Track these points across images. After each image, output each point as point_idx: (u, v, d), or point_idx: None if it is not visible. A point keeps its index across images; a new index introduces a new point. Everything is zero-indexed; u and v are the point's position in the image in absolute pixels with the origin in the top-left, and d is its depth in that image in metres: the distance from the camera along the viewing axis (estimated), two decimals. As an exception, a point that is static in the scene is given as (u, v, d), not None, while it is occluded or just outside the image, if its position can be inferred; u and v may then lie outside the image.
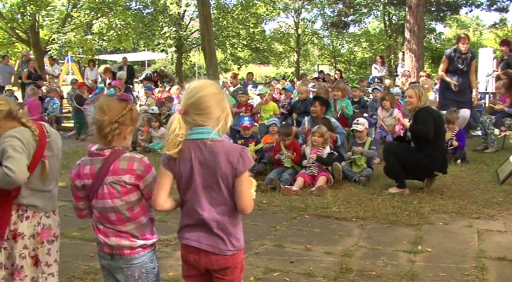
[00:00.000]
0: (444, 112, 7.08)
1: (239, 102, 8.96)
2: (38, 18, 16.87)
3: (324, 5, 26.35)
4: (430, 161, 5.17)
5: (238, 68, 24.92)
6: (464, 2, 23.87)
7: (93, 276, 3.39)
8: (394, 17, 25.58)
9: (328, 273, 3.36)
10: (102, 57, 22.52)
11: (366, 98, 10.01)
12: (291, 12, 27.49)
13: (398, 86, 10.59)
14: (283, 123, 7.99)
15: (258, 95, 9.66)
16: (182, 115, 1.98)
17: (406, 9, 14.72)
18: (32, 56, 16.36)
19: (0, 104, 2.41)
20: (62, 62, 21.14)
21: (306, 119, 6.90)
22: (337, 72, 17.54)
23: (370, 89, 10.58)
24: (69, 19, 17.51)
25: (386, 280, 3.26)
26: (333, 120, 6.73)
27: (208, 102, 1.97)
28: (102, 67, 14.57)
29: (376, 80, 13.32)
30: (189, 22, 22.83)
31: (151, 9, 21.34)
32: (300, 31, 27.26)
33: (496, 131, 7.91)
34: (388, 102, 7.56)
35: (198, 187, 1.98)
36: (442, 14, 25.29)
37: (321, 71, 19.26)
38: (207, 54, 13.37)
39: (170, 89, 12.38)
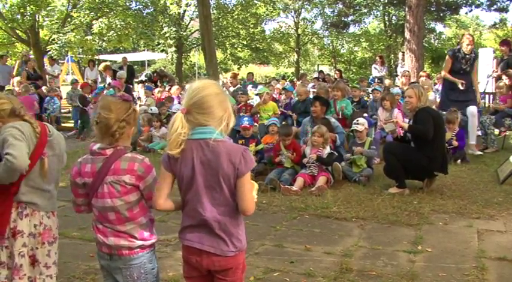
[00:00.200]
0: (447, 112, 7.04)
1: (239, 103, 8.96)
2: (38, 18, 16.86)
3: (323, 5, 26.37)
4: (430, 161, 5.17)
5: (238, 68, 24.94)
6: (464, 1, 23.86)
7: (93, 276, 3.39)
8: (394, 17, 25.60)
9: (328, 273, 3.36)
10: (102, 57, 22.52)
11: (366, 98, 10.01)
12: (291, 12, 27.52)
13: (398, 86, 10.58)
14: (283, 123, 7.99)
15: (257, 94, 9.66)
16: (184, 114, 1.97)
17: (406, 9, 14.73)
18: (32, 56, 16.35)
19: (3, 103, 2.45)
20: (62, 62, 21.14)
21: (307, 119, 6.88)
22: (337, 72, 17.54)
23: (370, 89, 10.58)
24: (69, 19, 17.50)
25: (386, 280, 3.26)
26: (333, 120, 6.73)
27: (210, 102, 1.97)
28: (102, 65, 14.57)
29: (376, 80, 13.32)
30: (189, 22, 22.85)
31: (151, 9, 21.35)
32: (299, 31, 27.28)
33: (496, 131, 7.91)
34: (388, 102, 7.56)
35: (199, 187, 1.97)
36: (442, 14, 25.28)
37: (321, 71, 19.26)
38: (207, 54, 13.38)
39: (170, 89, 12.39)
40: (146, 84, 13.95)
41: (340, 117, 7.47)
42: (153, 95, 12.03)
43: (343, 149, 6.53)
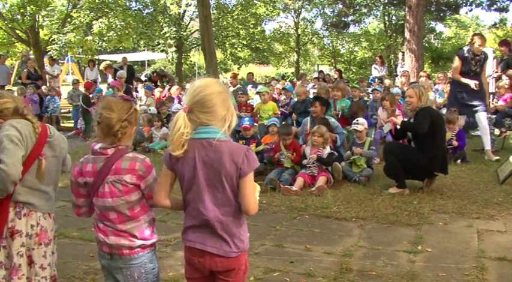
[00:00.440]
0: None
1: (239, 103, 8.96)
2: (38, 18, 16.87)
3: (323, 5, 26.36)
4: (430, 161, 5.17)
5: (238, 68, 24.94)
6: (464, 1, 23.84)
7: (93, 276, 3.39)
8: (394, 17, 25.58)
9: (328, 273, 3.36)
10: (102, 57, 22.52)
11: (366, 98, 10.01)
12: (291, 12, 27.51)
13: (398, 86, 10.58)
14: (283, 123, 8.00)
15: (257, 93, 9.66)
16: (187, 113, 1.96)
17: (406, 9, 14.71)
18: (32, 56, 16.36)
19: (7, 102, 2.47)
20: (62, 62, 21.14)
21: (307, 119, 6.89)
22: (337, 72, 17.54)
23: (370, 89, 10.58)
24: (69, 19, 17.50)
25: (386, 280, 3.26)
26: (333, 120, 6.73)
27: (213, 101, 1.95)
28: (104, 63, 14.55)
29: (376, 80, 13.32)
30: (189, 22, 22.84)
31: (151, 9, 21.35)
32: (299, 31, 27.27)
33: (497, 131, 7.91)
34: (388, 102, 7.56)
35: (201, 187, 1.96)
36: (442, 14, 25.27)
37: (321, 71, 19.25)
38: (207, 54, 13.37)
39: (170, 88, 12.38)
40: (146, 84, 13.93)
41: (339, 117, 7.47)
42: (153, 95, 12.04)
43: (343, 149, 6.54)
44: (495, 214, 4.58)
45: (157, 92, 12.34)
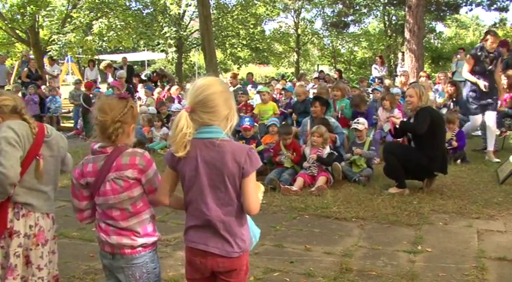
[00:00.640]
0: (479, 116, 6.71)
1: (239, 103, 8.95)
2: (38, 18, 16.86)
3: (323, 5, 26.36)
4: (430, 161, 5.17)
5: (238, 68, 24.94)
6: (464, 1, 23.83)
7: (93, 276, 3.39)
8: (394, 17, 25.58)
9: (328, 273, 3.36)
10: (102, 57, 22.54)
11: (366, 98, 9.99)
12: (291, 12, 27.52)
13: (398, 86, 10.58)
14: (283, 123, 7.99)
15: (258, 92, 9.66)
16: (189, 113, 1.95)
17: (406, 9, 14.72)
18: (32, 56, 16.35)
19: (6, 99, 2.48)
20: (62, 62, 21.14)
21: (307, 119, 6.88)
22: (337, 72, 17.54)
23: (370, 89, 10.58)
24: (68, 19, 17.50)
25: (386, 280, 3.26)
26: (333, 120, 6.73)
27: (216, 101, 1.94)
28: (104, 63, 14.53)
29: (376, 80, 13.32)
30: (189, 22, 22.85)
31: (151, 9, 21.36)
32: (299, 31, 27.27)
33: (497, 131, 7.90)
34: (388, 102, 7.56)
35: (204, 187, 1.95)
36: (442, 14, 25.27)
37: (321, 71, 19.25)
38: (207, 54, 13.38)
39: (170, 88, 12.38)
40: (146, 84, 13.93)
41: (339, 117, 7.47)
42: (152, 95, 12.04)
43: (343, 149, 6.54)
44: (495, 214, 4.58)
45: (156, 93, 12.32)
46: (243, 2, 22.37)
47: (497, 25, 25.82)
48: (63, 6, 17.46)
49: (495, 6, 23.47)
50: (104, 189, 2.10)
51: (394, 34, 25.35)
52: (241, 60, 25.89)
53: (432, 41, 26.76)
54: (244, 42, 24.15)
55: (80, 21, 17.08)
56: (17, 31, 17.29)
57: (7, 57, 19.44)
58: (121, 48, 25.23)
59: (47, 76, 15.14)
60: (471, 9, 25.45)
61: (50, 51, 16.85)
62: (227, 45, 23.87)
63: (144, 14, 20.96)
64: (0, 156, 2.24)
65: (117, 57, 19.65)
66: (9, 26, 16.71)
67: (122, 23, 17.95)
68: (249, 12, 22.90)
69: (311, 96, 8.73)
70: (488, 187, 5.49)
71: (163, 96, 11.73)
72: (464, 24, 31.27)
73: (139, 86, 13.16)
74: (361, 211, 4.73)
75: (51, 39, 17.07)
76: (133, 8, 20.36)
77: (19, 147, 2.32)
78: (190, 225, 2.03)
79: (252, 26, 23.80)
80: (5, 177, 2.22)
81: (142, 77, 15.96)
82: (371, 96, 9.69)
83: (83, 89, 12.32)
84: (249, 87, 12.62)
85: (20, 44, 18.93)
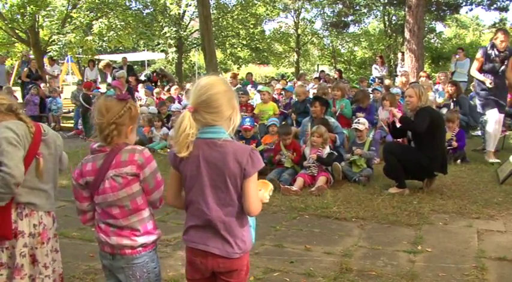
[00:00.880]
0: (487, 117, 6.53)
1: (239, 103, 8.93)
2: (38, 18, 16.85)
3: (323, 5, 26.36)
4: (430, 161, 5.17)
5: (238, 68, 24.95)
6: (464, 0, 23.82)
7: (93, 276, 3.40)
8: (394, 17, 25.58)
9: (328, 273, 3.36)
10: (102, 57, 22.55)
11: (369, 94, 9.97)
12: (291, 12, 27.52)
13: (397, 86, 10.58)
14: (283, 123, 7.99)
15: (258, 91, 9.66)
16: (192, 113, 1.94)
17: (406, 9, 14.71)
18: (32, 56, 16.35)
19: (2, 99, 2.48)
20: (62, 62, 21.14)
21: (307, 119, 6.88)
22: (337, 72, 17.54)
23: (370, 89, 10.57)
24: (68, 20, 17.50)
25: (386, 280, 3.26)
26: (332, 120, 6.73)
27: (219, 101, 1.93)
28: (103, 62, 14.49)
29: (376, 80, 13.32)
30: (189, 22, 22.87)
31: (151, 9, 21.36)
32: (299, 31, 27.28)
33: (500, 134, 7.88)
34: (388, 102, 7.56)
35: (205, 187, 1.95)
36: (442, 14, 25.26)
37: (322, 71, 19.25)
38: (207, 54, 13.39)
39: (170, 89, 12.38)
40: (146, 84, 13.91)
41: (338, 116, 7.47)
42: (152, 95, 12.03)
43: (343, 149, 6.54)
44: (495, 214, 4.59)
45: (154, 93, 12.31)
46: (243, 2, 22.38)
47: (497, 25, 25.82)
48: (63, 6, 17.45)
49: (495, 6, 23.46)
50: (103, 188, 2.10)
51: (394, 34, 25.34)
52: (241, 60, 25.91)
53: (432, 41, 26.74)
54: (244, 42, 24.16)
55: (80, 21, 17.06)
56: (17, 31, 17.28)
57: (7, 57, 19.42)
58: (121, 48, 25.22)
59: (47, 76, 15.14)
60: (471, 9, 25.41)
61: (50, 51, 16.85)
62: (227, 45, 23.89)
63: (144, 14, 20.96)
64: (2, 157, 2.24)
65: (117, 57, 19.66)
66: (9, 26, 16.69)
67: (122, 23, 17.93)
68: (249, 12, 22.92)
69: (311, 96, 8.73)
70: (488, 187, 5.49)
71: (161, 97, 11.73)
72: (464, 24, 31.25)
73: (140, 86, 13.15)
74: (361, 211, 4.73)
75: (51, 39, 17.07)
76: (133, 8, 20.36)
77: (20, 147, 2.32)
78: (191, 225, 2.03)
79: (252, 26, 23.81)
80: (11, 177, 2.22)
81: (142, 77, 15.95)
82: (371, 96, 9.68)
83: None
84: (248, 87, 12.62)
85: (20, 44, 18.91)
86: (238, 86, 11.27)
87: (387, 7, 24.91)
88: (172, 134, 2.01)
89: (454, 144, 6.75)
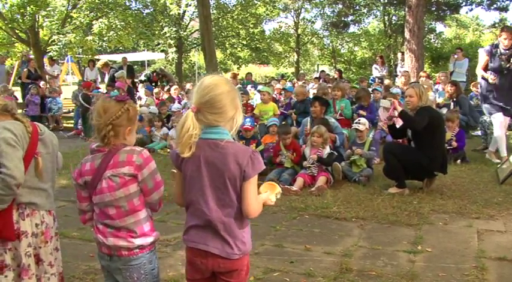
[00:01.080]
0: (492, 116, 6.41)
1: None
2: (38, 18, 16.86)
3: (323, 5, 26.36)
4: (430, 161, 5.17)
5: (238, 68, 24.95)
6: (465, 0, 23.82)
7: (93, 276, 3.40)
8: (394, 17, 25.57)
9: (328, 273, 3.36)
10: (102, 57, 22.55)
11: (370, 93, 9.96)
12: (291, 12, 27.52)
13: (398, 86, 10.58)
14: (283, 123, 7.99)
15: (258, 91, 9.66)
16: (194, 113, 1.93)
17: (406, 9, 14.70)
18: (32, 56, 16.36)
19: None
20: (62, 62, 21.13)
21: (307, 119, 6.88)
22: (337, 72, 17.54)
23: (370, 90, 10.56)
24: (68, 20, 17.51)
25: (386, 280, 3.26)
26: (332, 120, 6.73)
27: (223, 101, 1.92)
28: (101, 62, 14.48)
29: (376, 80, 13.31)
30: (189, 22, 22.88)
31: (151, 9, 21.36)
32: (299, 31, 27.28)
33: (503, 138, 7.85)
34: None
35: (205, 187, 1.95)
36: (442, 14, 25.25)
37: (322, 71, 19.24)
38: (207, 54, 13.39)
39: (169, 89, 12.39)
40: (146, 84, 13.91)
41: (338, 117, 7.47)
42: (152, 95, 12.03)
43: (343, 149, 6.54)
44: (495, 214, 4.58)
45: (156, 92, 12.31)
46: (243, 2, 22.39)
47: (497, 25, 25.82)
48: (63, 6, 17.46)
49: (495, 6, 23.46)
50: (100, 187, 2.10)
51: (394, 34, 25.33)
52: (241, 60, 25.90)
53: (432, 41, 26.73)
54: (244, 42, 24.16)
55: (80, 22, 17.07)
56: (17, 31, 17.29)
57: (7, 57, 19.43)
58: (121, 48, 25.22)
59: (46, 76, 15.14)
60: (471, 9, 25.40)
61: (50, 51, 16.86)
62: (227, 45, 23.88)
63: (144, 14, 20.97)
64: (2, 158, 2.23)
65: (117, 57, 19.67)
66: (9, 26, 16.70)
67: (122, 23, 17.94)
68: (249, 12, 22.92)
69: (311, 96, 8.73)
70: (488, 187, 5.49)
71: (161, 97, 11.73)
72: (464, 24, 31.24)
73: (140, 86, 13.16)
74: (361, 211, 4.73)
75: (51, 39, 17.07)
76: (133, 8, 20.37)
77: (19, 147, 2.32)
78: (191, 225, 2.03)
79: (252, 26, 23.81)
80: (12, 178, 2.23)
81: (142, 77, 15.95)
82: (371, 96, 9.68)
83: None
84: (248, 87, 12.64)
85: (20, 44, 18.92)
86: (238, 86, 11.27)
87: (387, 7, 24.91)
88: (173, 134, 2.00)
89: (454, 144, 6.75)
